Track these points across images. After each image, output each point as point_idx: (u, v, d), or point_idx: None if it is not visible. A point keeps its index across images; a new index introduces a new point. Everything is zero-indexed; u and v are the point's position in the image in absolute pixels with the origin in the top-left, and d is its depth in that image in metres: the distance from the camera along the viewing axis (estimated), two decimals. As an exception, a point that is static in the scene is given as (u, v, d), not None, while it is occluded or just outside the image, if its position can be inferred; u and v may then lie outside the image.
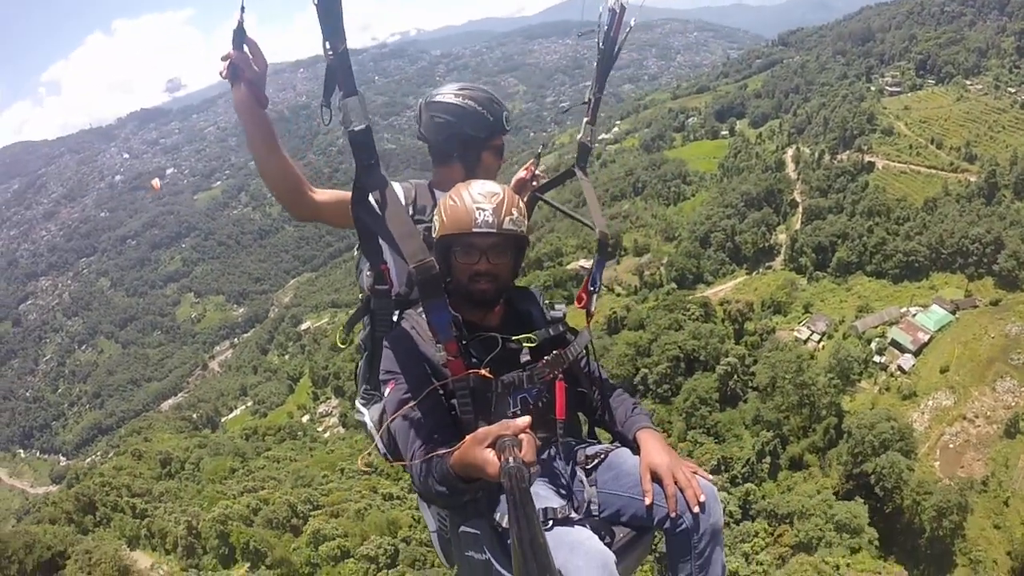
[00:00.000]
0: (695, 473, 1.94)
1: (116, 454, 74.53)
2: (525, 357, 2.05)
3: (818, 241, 69.65)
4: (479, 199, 1.97)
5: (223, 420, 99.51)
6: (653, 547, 2.21)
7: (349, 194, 2.13)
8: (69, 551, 38.62)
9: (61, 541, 40.24)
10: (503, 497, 1.69)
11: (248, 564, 34.63)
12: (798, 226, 75.87)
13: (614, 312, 63.16)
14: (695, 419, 47.47)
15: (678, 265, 75.13)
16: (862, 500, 37.12)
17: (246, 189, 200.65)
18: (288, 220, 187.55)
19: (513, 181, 2.96)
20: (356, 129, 1.76)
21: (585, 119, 2.76)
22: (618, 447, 2.16)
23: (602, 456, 2.11)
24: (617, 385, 2.38)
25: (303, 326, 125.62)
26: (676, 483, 1.88)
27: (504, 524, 1.74)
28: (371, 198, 1.96)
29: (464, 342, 1.96)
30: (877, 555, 34.96)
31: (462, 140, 2.44)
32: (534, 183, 2.98)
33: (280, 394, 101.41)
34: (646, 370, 51.75)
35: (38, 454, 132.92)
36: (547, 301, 2.34)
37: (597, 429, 2.40)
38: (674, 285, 71.99)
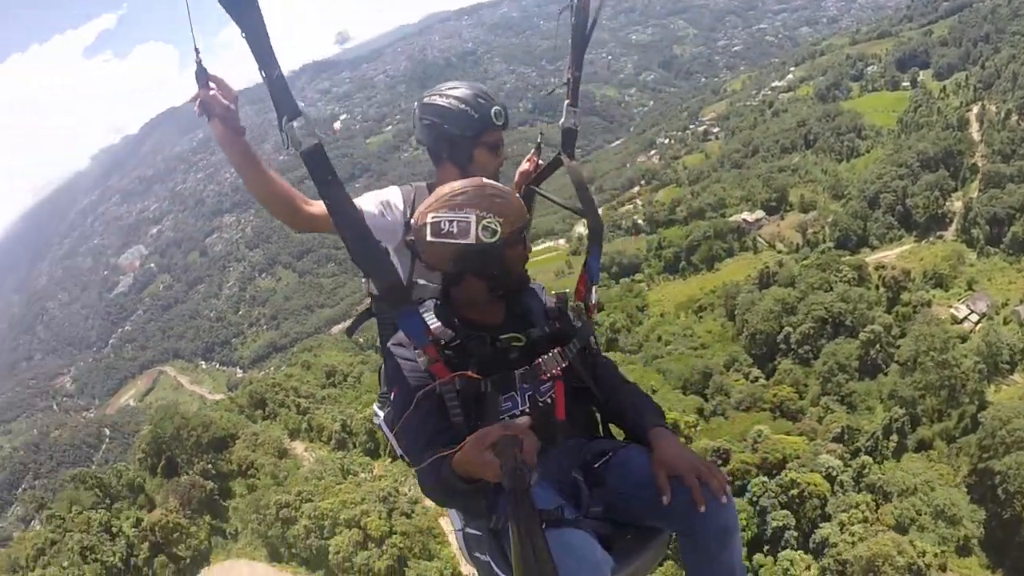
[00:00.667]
0: (714, 467, 1.87)
1: (287, 366, 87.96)
2: (514, 354, 2.02)
3: (993, 212, 61.24)
4: (510, 190, 2.08)
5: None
6: (669, 548, 2.12)
7: (353, 204, 2.15)
8: (239, 434, 47.82)
9: (234, 426, 49.60)
10: (501, 500, 1.73)
11: (390, 459, 41.02)
12: (975, 194, 67.11)
13: (767, 267, 62.08)
14: (831, 385, 46.20)
15: (842, 225, 70.93)
16: (976, 503, 34.32)
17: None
18: None
19: (517, 175, 2.97)
20: (306, 148, 1.80)
21: (566, 101, 2.68)
22: (626, 445, 2.08)
23: (609, 455, 2.03)
24: (628, 380, 2.27)
25: None
26: (697, 477, 1.80)
27: (500, 526, 1.76)
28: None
29: (456, 342, 1.94)
30: (986, 564, 32.72)
31: (449, 140, 2.46)
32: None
33: None
34: (789, 328, 51.21)
35: (217, 366, 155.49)
36: (551, 294, 2.26)
37: (612, 426, 2.28)
38: (830, 245, 68.24)
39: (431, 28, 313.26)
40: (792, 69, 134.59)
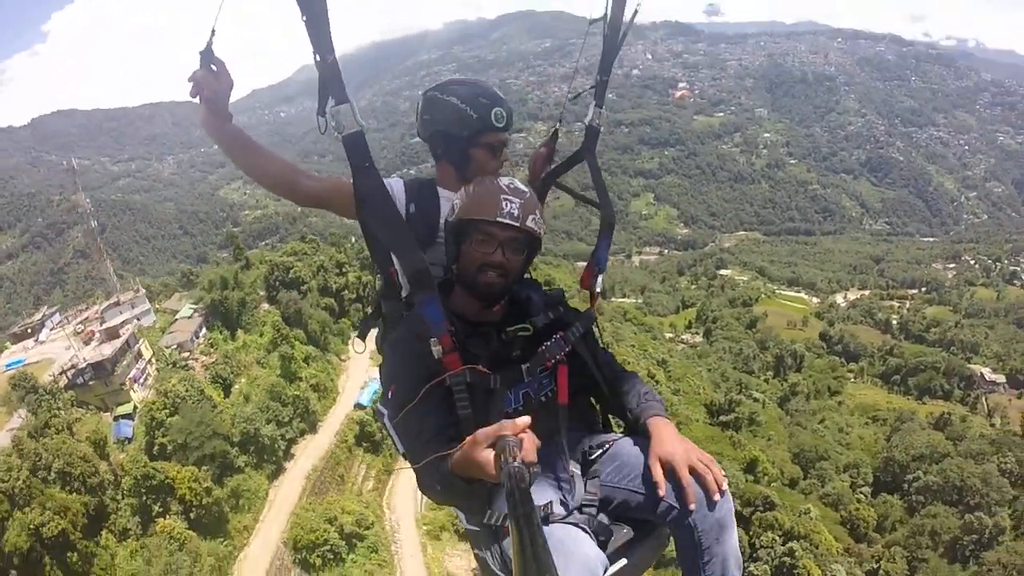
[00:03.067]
0: (710, 462, 1.84)
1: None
2: (519, 348, 2.02)
3: None
4: (508, 191, 1.98)
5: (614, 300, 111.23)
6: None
7: (348, 182, 2.12)
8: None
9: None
10: (499, 498, 1.74)
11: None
12: None
13: (948, 415, 57.46)
14: (912, 542, 41.00)
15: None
16: None
17: (743, 130, 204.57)
18: (766, 177, 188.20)
19: (534, 157, 2.91)
20: (349, 133, 1.84)
21: (593, 103, 2.63)
22: (622, 437, 2.06)
23: (606, 447, 2.01)
24: (627, 370, 2.23)
25: (723, 272, 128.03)
26: (692, 473, 1.78)
27: (496, 522, 1.72)
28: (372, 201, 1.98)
29: (462, 337, 1.93)
30: None
31: (445, 138, 2.36)
32: (554, 158, 2.92)
33: (666, 307, 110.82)
34: (920, 474, 47.20)
35: None
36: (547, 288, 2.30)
37: (611, 418, 2.28)
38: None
39: (802, 35, 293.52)
40: None
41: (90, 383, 39.22)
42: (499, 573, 1.77)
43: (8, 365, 43.63)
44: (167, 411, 32.73)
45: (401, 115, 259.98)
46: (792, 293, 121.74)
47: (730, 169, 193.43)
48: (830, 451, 51.14)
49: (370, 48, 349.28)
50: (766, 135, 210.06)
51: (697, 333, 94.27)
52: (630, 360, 54.02)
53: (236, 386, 38.63)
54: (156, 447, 32.08)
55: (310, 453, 36.54)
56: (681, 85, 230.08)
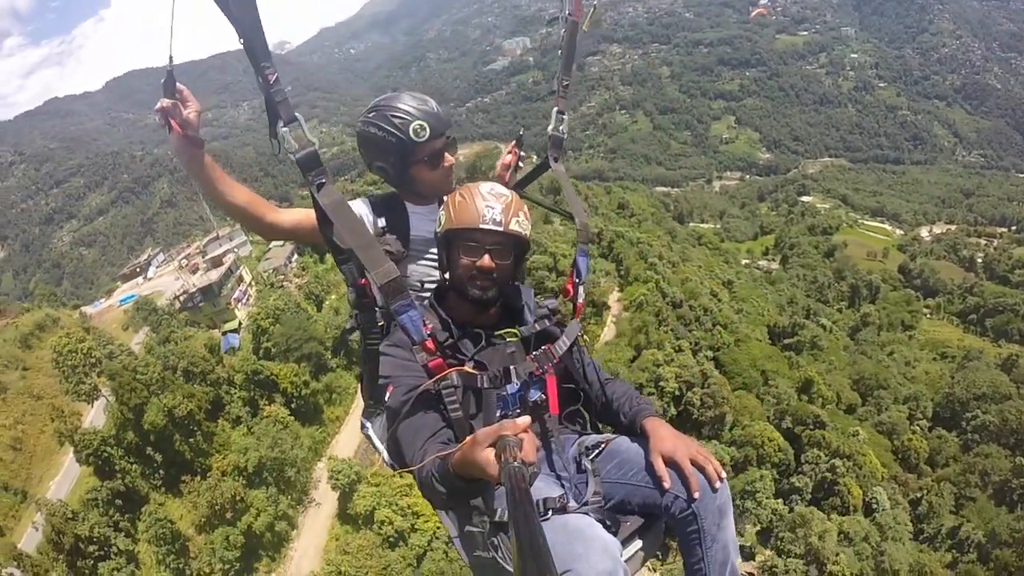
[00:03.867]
0: (708, 455, 1.90)
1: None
2: (510, 349, 2.07)
3: None
4: (488, 198, 2.01)
5: (691, 225, 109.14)
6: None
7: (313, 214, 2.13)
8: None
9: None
10: (501, 494, 1.74)
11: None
12: None
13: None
14: (962, 480, 41.12)
15: None
16: None
17: (828, 51, 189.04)
18: (854, 101, 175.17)
19: (498, 166, 2.84)
20: (302, 153, 1.80)
21: (555, 108, 2.54)
22: (617, 436, 2.09)
23: (602, 446, 2.05)
24: (614, 377, 2.32)
25: (805, 198, 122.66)
26: (693, 464, 1.85)
27: (496, 520, 1.74)
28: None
29: (452, 340, 2.00)
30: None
31: (382, 170, 2.40)
32: (520, 166, 2.84)
33: (744, 233, 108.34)
34: (980, 412, 46.45)
35: None
36: (537, 297, 2.33)
37: (600, 425, 2.30)
38: None
39: None
40: None
41: (200, 305, 45.43)
42: (508, 568, 1.75)
43: (122, 300, 50.87)
44: (270, 321, 37.85)
45: (471, 44, 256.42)
46: (875, 223, 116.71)
47: (815, 91, 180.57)
48: (891, 381, 50.68)
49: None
50: (853, 56, 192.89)
51: (774, 259, 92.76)
52: (692, 278, 55.07)
53: (327, 301, 43.61)
54: (262, 350, 37.45)
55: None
56: (763, 2, 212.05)
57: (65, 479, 33.22)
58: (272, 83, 1.74)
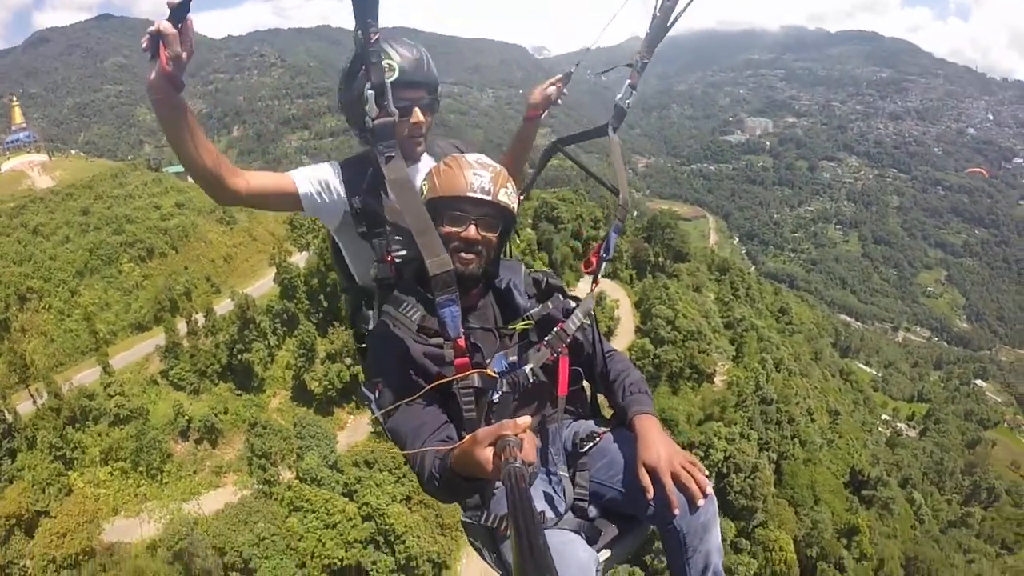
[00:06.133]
0: (694, 466, 1.86)
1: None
2: (522, 341, 2.04)
3: None
4: (476, 166, 1.97)
5: (853, 361, 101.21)
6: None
7: (283, 176, 2.19)
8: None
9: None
10: (495, 498, 1.77)
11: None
12: None
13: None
14: None
15: None
16: None
17: None
18: None
19: (537, 92, 2.69)
20: (378, 122, 1.82)
21: (628, 81, 2.49)
22: (611, 430, 2.09)
23: (596, 440, 2.03)
24: (621, 356, 2.26)
25: (979, 382, 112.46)
26: (676, 480, 1.82)
27: (492, 524, 1.72)
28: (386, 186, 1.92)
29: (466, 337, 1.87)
30: None
31: (344, 105, 2.26)
32: (558, 101, 2.72)
33: (901, 391, 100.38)
34: None
35: (743, 251, 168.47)
36: (530, 270, 2.26)
37: (598, 405, 2.31)
38: None
39: None
40: None
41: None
42: (491, 564, 1.79)
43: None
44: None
45: (718, 110, 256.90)
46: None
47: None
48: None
49: (702, 34, 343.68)
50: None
51: (914, 427, 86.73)
52: (792, 387, 56.37)
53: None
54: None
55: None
56: (1018, 160, 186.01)
57: (255, 291, 45.78)
58: (372, 42, 1.77)
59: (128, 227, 48.35)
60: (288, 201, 2.21)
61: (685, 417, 46.66)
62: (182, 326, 41.02)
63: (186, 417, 36.37)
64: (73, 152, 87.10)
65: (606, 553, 1.94)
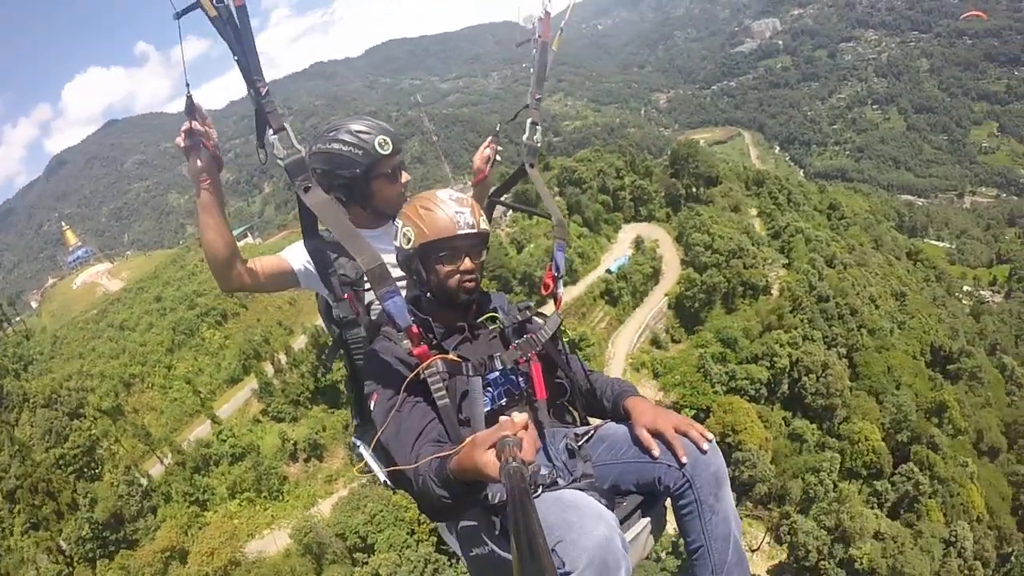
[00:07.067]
0: (691, 424, 1.92)
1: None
2: (492, 336, 2.14)
3: None
4: (453, 204, 2.07)
5: (926, 240, 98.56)
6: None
7: (279, 257, 2.42)
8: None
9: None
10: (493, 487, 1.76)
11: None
12: None
13: None
14: None
15: None
16: None
17: None
18: None
19: (476, 159, 3.00)
20: (291, 159, 1.91)
21: (529, 120, 2.71)
22: (605, 423, 2.14)
23: (591, 433, 2.08)
24: (604, 375, 2.35)
25: None
26: (677, 431, 1.88)
27: (495, 501, 1.73)
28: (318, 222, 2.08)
29: (436, 340, 2.02)
30: None
31: (343, 185, 2.46)
32: (497, 158, 3.01)
33: (979, 258, 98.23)
34: None
35: (787, 158, 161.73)
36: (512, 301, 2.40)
37: (589, 420, 2.33)
38: None
39: None
40: None
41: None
42: (505, 556, 1.74)
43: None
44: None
45: (720, 23, 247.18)
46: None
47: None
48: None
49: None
50: None
51: (999, 292, 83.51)
52: (848, 278, 56.02)
53: (526, 248, 55.47)
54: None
55: (565, 299, 55.53)
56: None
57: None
58: (263, 95, 1.86)
59: (199, 300, 53.77)
60: (287, 279, 2.46)
61: (743, 332, 47.43)
62: (268, 368, 45.79)
63: (291, 442, 40.91)
64: (128, 253, 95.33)
65: (640, 526, 1.93)
